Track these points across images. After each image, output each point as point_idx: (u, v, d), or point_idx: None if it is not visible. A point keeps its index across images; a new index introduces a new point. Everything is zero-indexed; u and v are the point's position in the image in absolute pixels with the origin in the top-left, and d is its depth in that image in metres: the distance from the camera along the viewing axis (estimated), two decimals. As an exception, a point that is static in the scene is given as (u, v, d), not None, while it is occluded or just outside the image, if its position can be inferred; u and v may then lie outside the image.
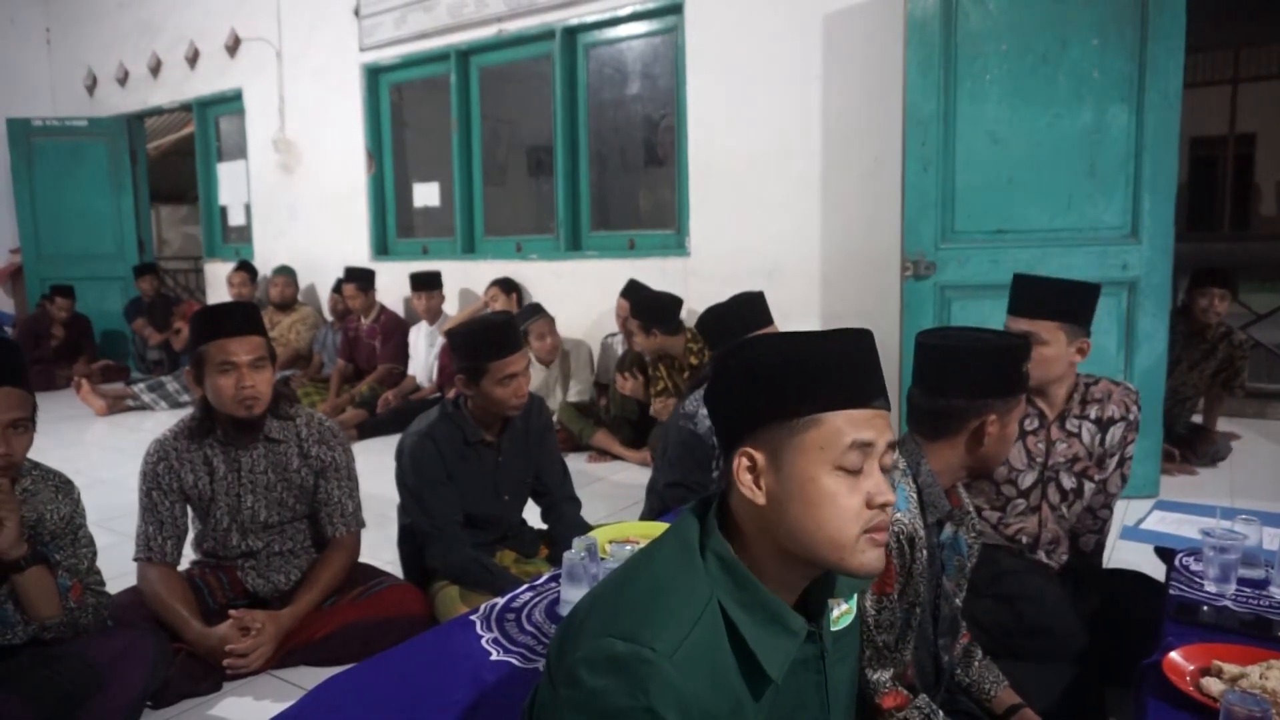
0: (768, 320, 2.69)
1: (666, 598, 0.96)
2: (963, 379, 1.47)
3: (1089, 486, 2.07)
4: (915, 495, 1.44)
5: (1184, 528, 3.06)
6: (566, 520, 2.59)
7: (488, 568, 2.37)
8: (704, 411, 2.64)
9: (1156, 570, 2.07)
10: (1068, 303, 1.97)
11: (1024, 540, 2.08)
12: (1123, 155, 3.33)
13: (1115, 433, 2.06)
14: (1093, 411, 2.06)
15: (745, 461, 1.00)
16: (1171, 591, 1.74)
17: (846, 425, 0.96)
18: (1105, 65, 3.30)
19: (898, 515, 1.36)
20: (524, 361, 2.36)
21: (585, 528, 2.56)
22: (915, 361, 1.56)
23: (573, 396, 4.73)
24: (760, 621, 0.98)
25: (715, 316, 2.77)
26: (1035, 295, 1.99)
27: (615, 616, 0.95)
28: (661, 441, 2.78)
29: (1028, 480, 2.07)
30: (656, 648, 0.89)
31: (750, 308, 2.72)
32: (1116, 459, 2.08)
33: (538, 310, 4.76)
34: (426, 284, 5.40)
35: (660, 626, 0.92)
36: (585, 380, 4.82)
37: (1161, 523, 3.16)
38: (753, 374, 1.01)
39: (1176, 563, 1.89)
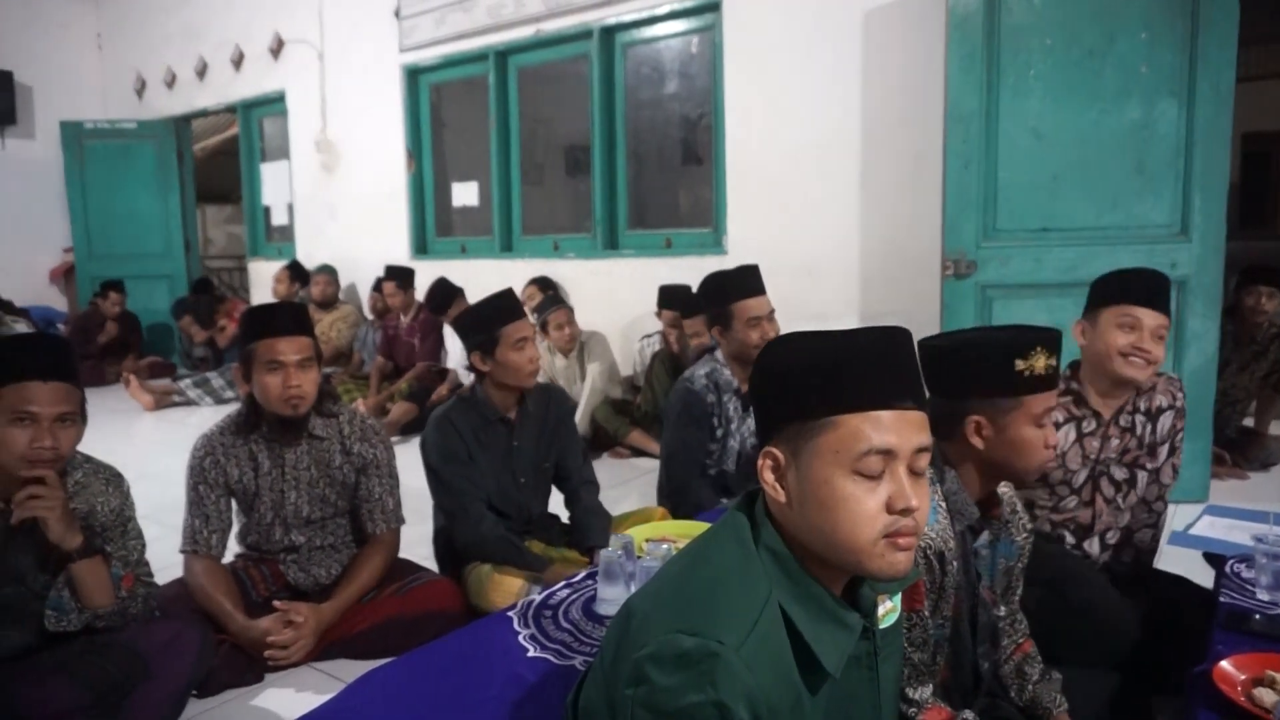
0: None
1: (729, 592, 0.96)
2: (941, 379, 1.42)
3: (1142, 476, 2.07)
4: (944, 504, 1.40)
5: (1234, 533, 2.98)
6: (583, 504, 2.64)
7: (513, 542, 2.43)
8: (700, 372, 2.80)
9: (1205, 576, 2.02)
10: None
11: (1070, 528, 2.06)
12: (1172, 151, 3.25)
13: (1165, 421, 2.07)
14: (1143, 404, 2.07)
15: (769, 461, 1.00)
16: (1222, 599, 1.70)
17: (865, 428, 0.94)
18: (1154, 59, 3.23)
19: (926, 530, 1.31)
20: (531, 329, 2.49)
21: (601, 512, 2.63)
22: None
23: (595, 382, 4.73)
24: (815, 616, 0.97)
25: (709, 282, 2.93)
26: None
27: (679, 612, 0.95)
28: (665, 413, 2.93)
29: (1080, 479, 2.06)
30: (724, 641, 0.90)
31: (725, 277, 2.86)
32: (1167, 447, 2.08)
33: (557, 301, 4.79)
34: (441, 303, 5.37)
35: (726, 621, 0.92)
36: (606, 366, 4.81)
37: (1211, 528, 3.09)
38: (775, 373, 1.01)
39: (1227, 569, 1.85)
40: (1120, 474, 2.05)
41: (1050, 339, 1.42)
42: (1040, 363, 1.39)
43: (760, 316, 2.74)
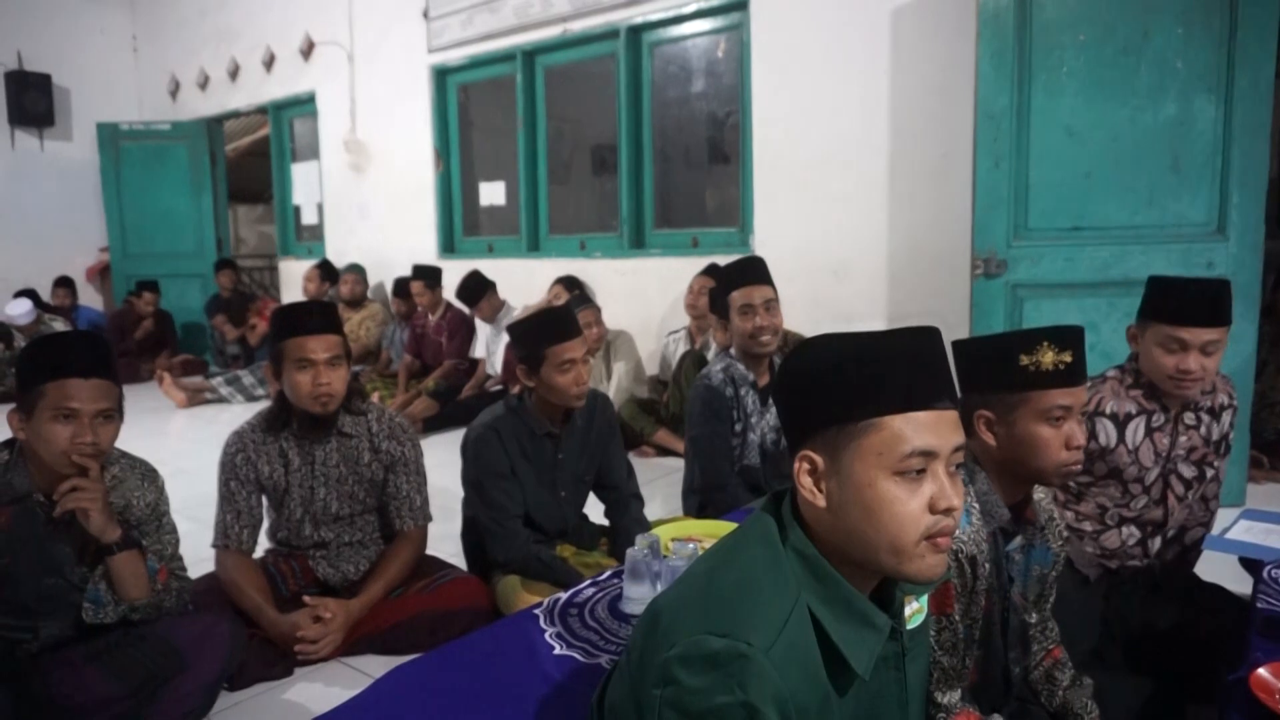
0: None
1: (758, 594, 0.95)
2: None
3: (1209, 473, 2.09)
4: (976, 505, 1.39)
5: (1272, 538, 2.89)
6: (631, 515, 2.60)
7: (547, 563, 2.39)
8: (718, 367, 2.74)
9: (1242, 582, 1.98)
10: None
11: (1149, 529, 2.07)
12: (1209, 149, 3.19)
13: (1225, 419, 2.10)
14: (1205, 402, 2.08)
15: (805, 465, 0.99)
16: (1259, 605, 1.67)
17: (906, 430, 0.94)
18: (1190, 55, 3.17)
19: (958, 533, 1.30)
20: (582, 349, 2.36)
21: (645, 525, 2.57)
22: None
23: (621, 381, 4.73)
24: (843, 617, 0.97)
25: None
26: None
27: (707, 614, 0.95)
28: (686, 408, 2.86)
29: (1151, 476, 2.06)
30: (753, 642, 0.90)
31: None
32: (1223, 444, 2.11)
33: (584, 299, 4.80)
34: (473, 295, 5.38)
35: (754, 622, 0.92)
36: (632, 365, 4.81)
37: (1248, 533, 3.00)
38: (811, 376, 1.00)
39: (1265, 575, 1.81)
40: (1189, 472, 2.07)
41: (1062, 335, 1.39)
42: (1047, 357, 1.37)
43: (750, 304, 2.63)
